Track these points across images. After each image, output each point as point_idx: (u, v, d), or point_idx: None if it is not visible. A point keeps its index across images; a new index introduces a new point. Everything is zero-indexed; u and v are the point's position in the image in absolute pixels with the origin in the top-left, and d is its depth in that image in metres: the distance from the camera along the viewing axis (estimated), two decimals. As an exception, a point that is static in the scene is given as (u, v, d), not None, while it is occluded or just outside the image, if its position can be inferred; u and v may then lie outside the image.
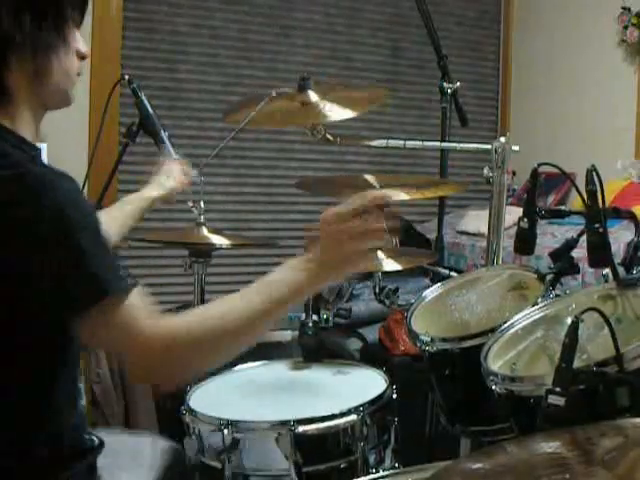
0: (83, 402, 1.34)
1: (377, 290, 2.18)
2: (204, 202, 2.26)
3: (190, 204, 2.25)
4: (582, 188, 1.40)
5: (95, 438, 1.38)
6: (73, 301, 1.10)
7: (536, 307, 1.44)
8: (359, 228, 1.27)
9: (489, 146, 2.04)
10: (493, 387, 1.25)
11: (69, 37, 1.24)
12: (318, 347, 2.09)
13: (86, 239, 1.10)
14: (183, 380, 1.49)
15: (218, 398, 1.74)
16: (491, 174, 2.04)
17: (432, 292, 1.77)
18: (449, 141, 2.49)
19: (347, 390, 1.70)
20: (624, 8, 3.69)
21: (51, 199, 1.09)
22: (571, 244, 1.57)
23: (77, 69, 1.29)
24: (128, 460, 1.51)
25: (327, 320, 2.27)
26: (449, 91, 2.47)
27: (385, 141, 2.20)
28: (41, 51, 1.19)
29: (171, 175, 1.98)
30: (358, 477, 1.43)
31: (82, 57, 1.30)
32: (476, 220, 3.48)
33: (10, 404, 1.17)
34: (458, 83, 2.48)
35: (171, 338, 1.16)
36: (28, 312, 1.11)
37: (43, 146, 1.38)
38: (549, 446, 0.89)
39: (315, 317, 2.15)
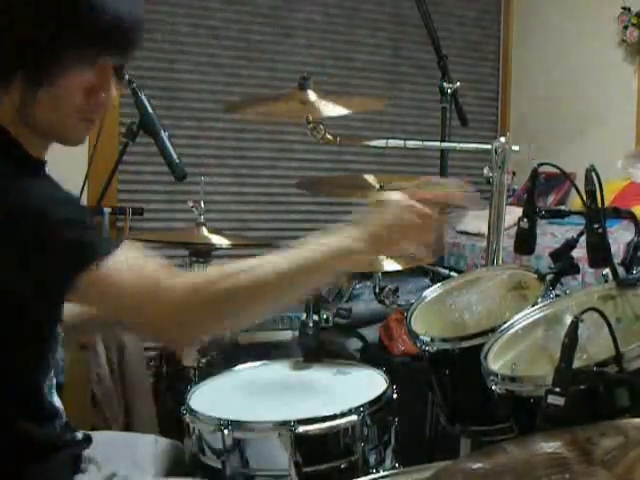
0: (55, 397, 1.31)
1: (377, 290, 2.18)
2: (204, 202, 2.26)
3: (190, 204, 2.26)
4: (582, 188, 1.40)
5: (79, 433, 1.37)
6: (61, 273, 1.10)
7: (536, 307, 1.44)
8: (426, 213, 1.27)
9: (489, 146, 2.04)
10: (493, 387, 1.24)
11: (67, 75, 1.17)
12: (318, 347, 2.09)
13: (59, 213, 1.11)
14: (198, 339, 1.45)
15: (218, 398, 1.74)
16: (491, 174, 2.04)
17: (432, 292, 1.77)
18: (449, 141, 2.49)
19: (347, 390, 1.69)
20: (624, 8, 3.69)
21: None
22: (571, 244, 1.58)
23: (77, 108, 1.21)
24: (129, 460, 1.51)
25: (327, 320, 2.26)
26: (449, 91, 2.47)
27: (385, 141, 2.20)
28: (28, 82, 1.17)
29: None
30: (358, 477, 1.43)
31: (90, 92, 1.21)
32: (476, 220, 3.48)
33: None
34: (458, 83, 2.48)
35: (184, 295, 1.14)
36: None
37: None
38: (549, 446, 0.89)
39: (315, 317, 2.15)
